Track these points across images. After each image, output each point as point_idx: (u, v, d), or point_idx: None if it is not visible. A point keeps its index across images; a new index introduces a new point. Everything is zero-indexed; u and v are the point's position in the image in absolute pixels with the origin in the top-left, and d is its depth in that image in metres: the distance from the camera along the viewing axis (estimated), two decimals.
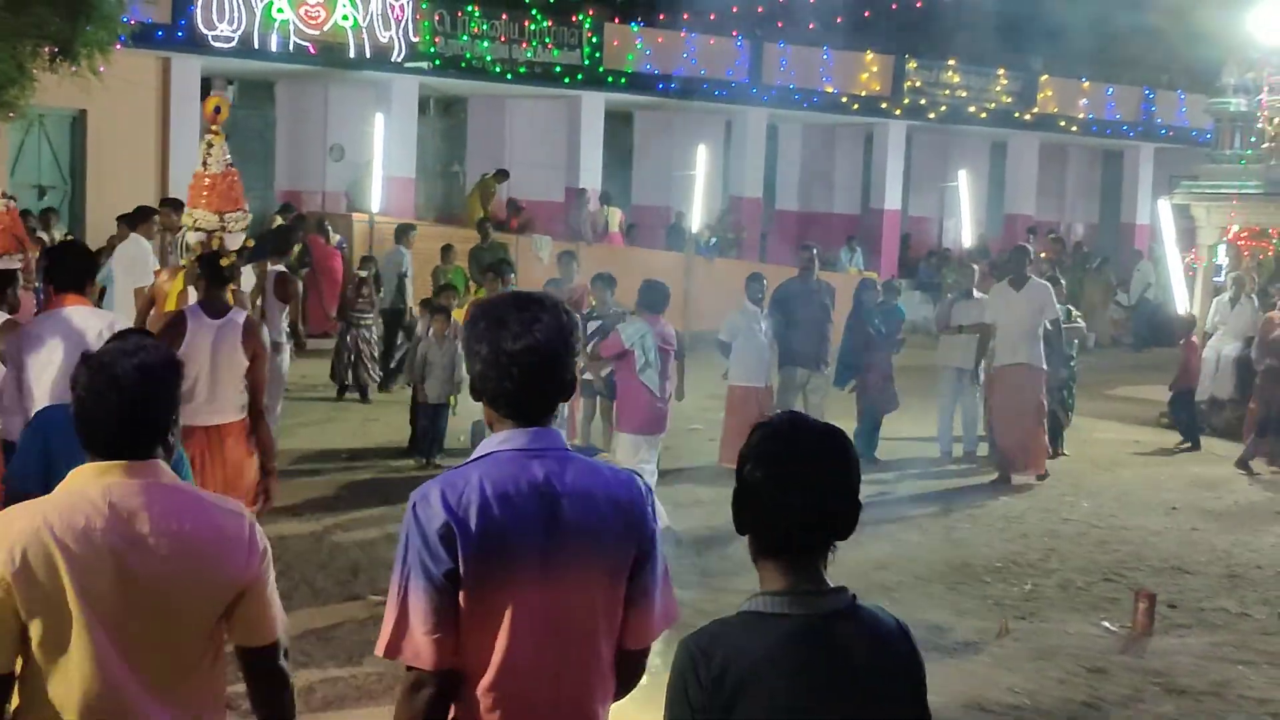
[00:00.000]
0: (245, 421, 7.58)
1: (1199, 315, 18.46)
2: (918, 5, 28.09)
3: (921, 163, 33.36)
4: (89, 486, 3.31)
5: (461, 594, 3.25)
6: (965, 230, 30.01)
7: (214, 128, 8.47)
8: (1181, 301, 19.59)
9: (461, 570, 3.23)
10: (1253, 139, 18.03)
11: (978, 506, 12.40)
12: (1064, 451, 14.90)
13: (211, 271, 7.60)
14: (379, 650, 3.32)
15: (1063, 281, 16.52)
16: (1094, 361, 20.91)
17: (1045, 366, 13.65)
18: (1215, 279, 18.61)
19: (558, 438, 3.41)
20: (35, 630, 3.24)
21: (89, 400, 3.34)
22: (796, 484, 2.93)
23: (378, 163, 23.25)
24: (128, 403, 3.32)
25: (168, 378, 3.43)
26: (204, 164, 8.36)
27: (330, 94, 25.33)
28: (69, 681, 3.25)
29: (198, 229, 8.19)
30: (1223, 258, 18.75)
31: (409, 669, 3.30)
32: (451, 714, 3.34)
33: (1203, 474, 14.57)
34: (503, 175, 24.70)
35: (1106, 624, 9.14)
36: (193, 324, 7.44)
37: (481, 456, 3.35)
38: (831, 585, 3.00)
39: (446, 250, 17.58)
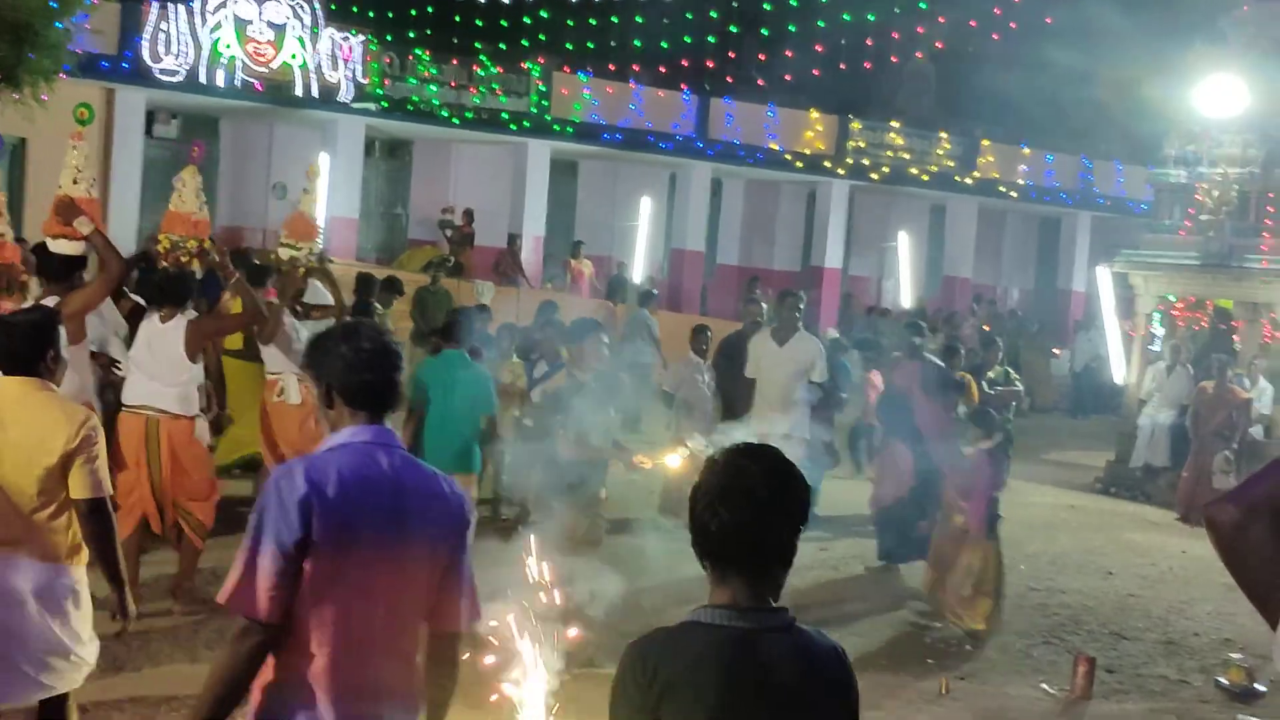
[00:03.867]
0: None
1: (1134, 383, 18.65)
2: (865, 66, 28.32)
3: (862, 222, 33.58)
4: None
5: (310, 560, 3.74)
6: (904, 290, 30.29)
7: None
8: (1118, 369, 19.80)
9: (315, 538, 3.73)
10: (1191, 210, 18.23)
11: (914, 565, 12.35)
12: (998, 514, 14.87)
13: None
14: (221, 598, 3.79)
15: (999, 343, 16.63)
16: (1030, 425, 21.02)
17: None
18: (1150, 347, 18.79)
19: (395, 435, 3.98)
20: None
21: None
22: (746, 510, 3.11)
23: (321, 202, 23.12)
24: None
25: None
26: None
27: (276, 132, 25.21)
28: None
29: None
30: (1159, 327, 18.95)
31: (243, 618, 3.76)
32: (281, 668, 3.80)
33: (1138, 540, 14.64)
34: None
35: (1046, 687, 9.12)
36: None
37: (338, 446, 3.89)
38: (774, 605, 3.20)
39: (389, 284, 16.32)
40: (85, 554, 5.57)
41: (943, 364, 14.62)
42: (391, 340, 4.04)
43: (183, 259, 9.83)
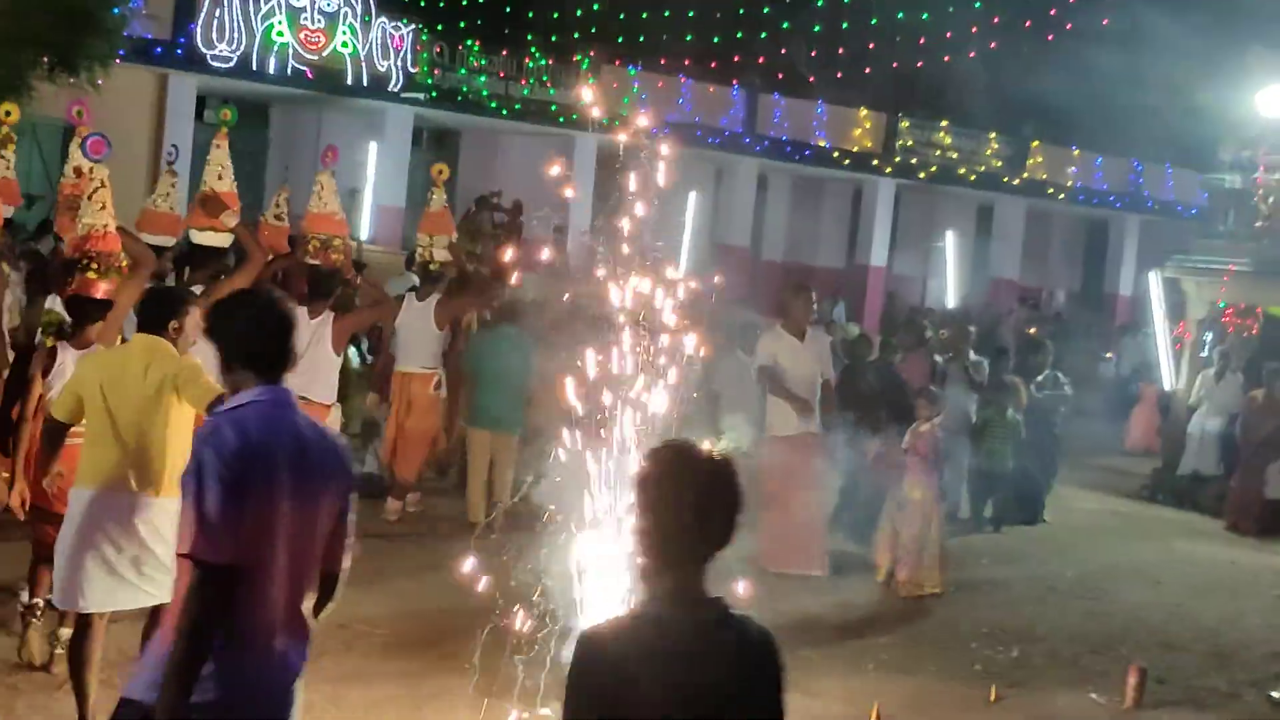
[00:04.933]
0: None
1: (1184, 389, 18.49)
2: (916, 65, 28.16)
3: (908, 221, 33.42)
4: None
5: (242, 507, 4.08)
6: (950, 290, 30.14)
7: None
8: (1167, 375, 19.63)
9: (245, 486, 4.09)
10: (1246, 216, 18.05)
11: (963, 569, 12.28)
12: (1045, 518, 14.83)
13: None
14: (181, 548, 4.09)
15: (1049, 345, 16.50)
16: (1077, 430, 20.83)
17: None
18: (1200, 354, 18.62)
19: (291, 395, 4.36)
20: None
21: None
22: (689, 504, 3.30)
23: (368, 190, 23.19)
24: None
25: None
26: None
27: (325, 119, 25.23)
28: None
29: None
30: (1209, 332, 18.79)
31: (197, 566, 4.04)
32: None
33: (1186, 549, 14.52)
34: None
35: (1095, 696, 9.04)
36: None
37: (245, 404, 4.25)
38: (710, 596, 3.38)
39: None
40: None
41: (984, 361, 14.59)
42: (285, 307, 4.44)
43: (334, 257, 10.32)
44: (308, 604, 4.39)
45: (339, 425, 10.26)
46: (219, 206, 9.17)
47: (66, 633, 7.03)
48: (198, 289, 8.90)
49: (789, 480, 10.97)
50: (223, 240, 9.55)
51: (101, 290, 7.70)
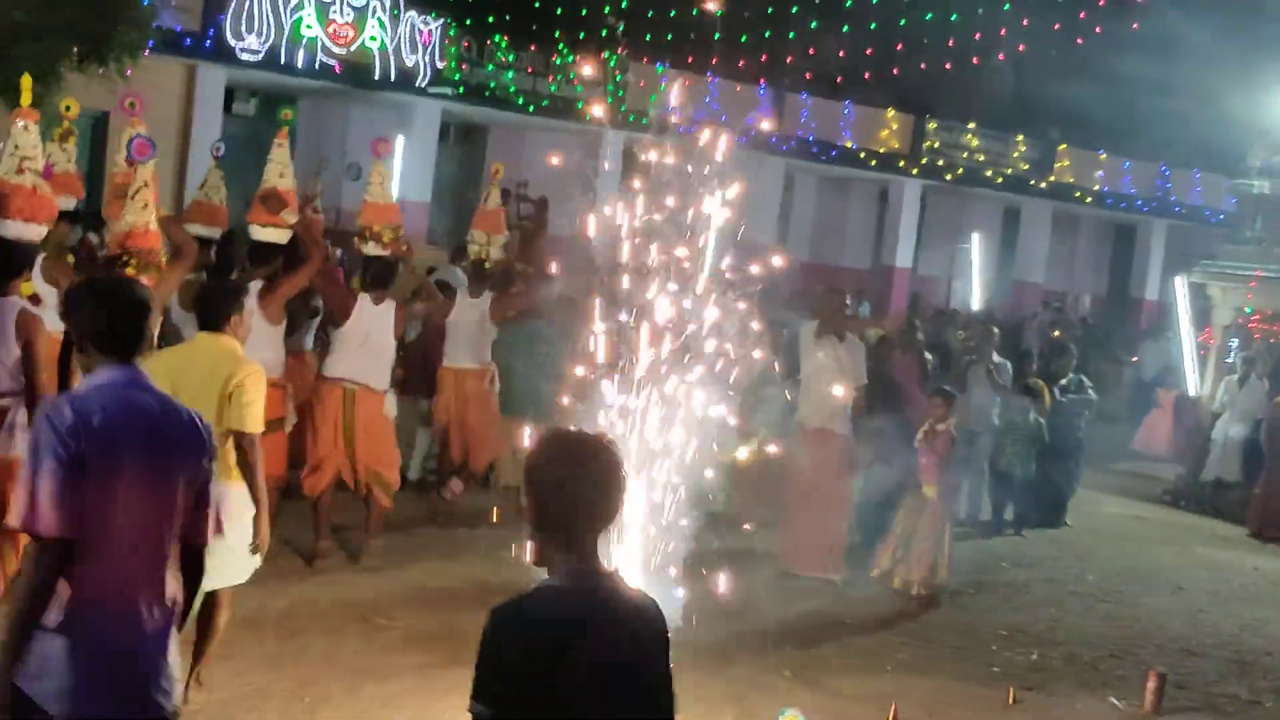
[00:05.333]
0: None
1: (1209, 395, 18.42)
2: (944, 66, 28.10)
3: (934, 222, 33.35)
4: None
5: (83, 482, 4.17)
6: (975, 293, 30.07)
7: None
8: (1192, 380, 19.56)
9: (85, 461, 4.18)
10: (1274, 221, 17.96)
11: (984, 571, 12.25)
12: (1067, 522, 14.79)
13: None
14: (13, 521, 4.21)
15: (1073, 349, 16.45)
16: (1100, 434, 20.76)
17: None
18: (1226, 360, 18.54)
19: (145, 375, 4.46)
20: None
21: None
22: (584, 485, 3.58)
23: (395, 185, 23.19)
24: None
25: None
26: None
27: (352, 113, 25.28)
28: None
29: None
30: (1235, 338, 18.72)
31: (35, 540, 4.20)
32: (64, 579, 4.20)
33: (1208, 554, 14.47)
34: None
35: (1114, 701, 9.01)
36: None
37: (97, 385, 4.37)
38: (607, 570, 3.64)
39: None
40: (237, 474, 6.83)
41: (1007, 364, 14.50)
42: (138, 292, 4.57)
43: (402, 248, 10.64)
44: (174, 578, 4.46)
45: (394, 412, 10.52)
46: (280, 204, 9.47)
47: None
48: (256, 284, 9.46)
49: (814, 478, 10.92)
50: (282, 237, 9.79)
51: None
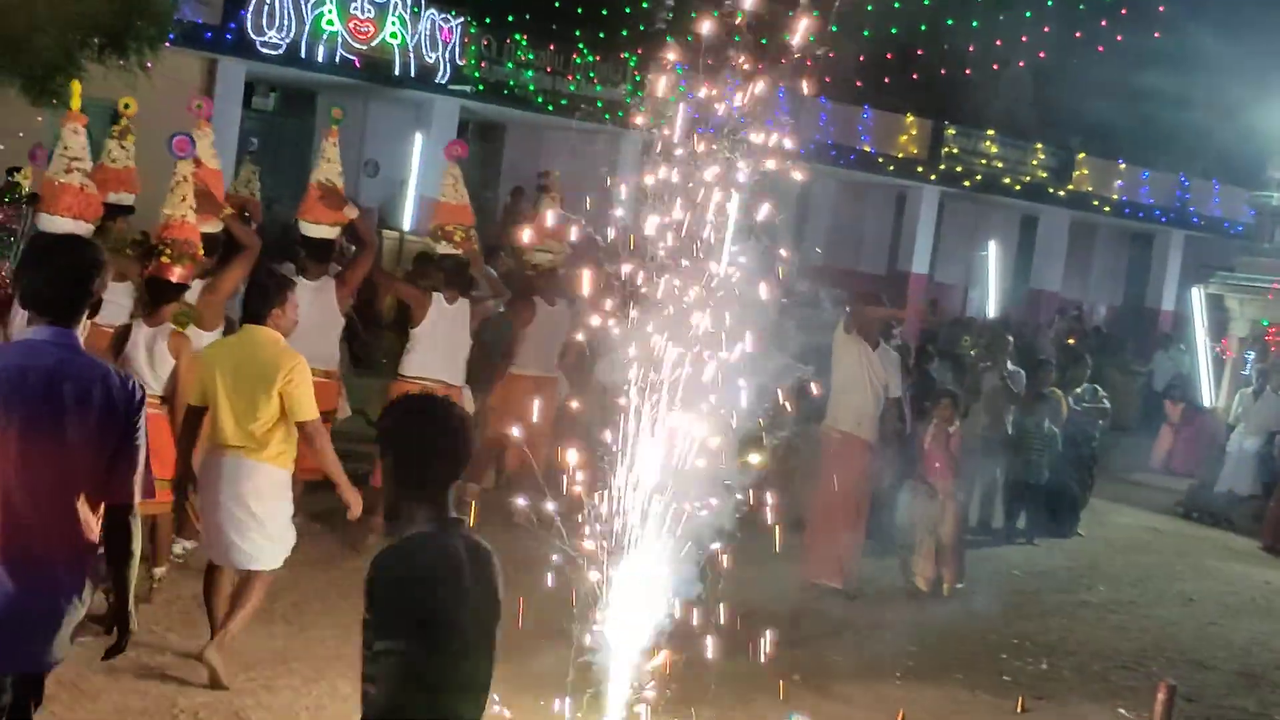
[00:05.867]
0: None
1: (1223, 407, 18.37)
2: (964, 73, 28.03)
3: (951, 229, 33.26)
4: None
5: None
6: (991, 300, 29.98)
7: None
8: (1207, 392, 19.51)
9: None
10: None
11: (995, 580, 12.23)
12: (1079, 531, 14.75)
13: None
14: None
15: (1088, 359, 16.42)
16: (1113, 444, 20.70)
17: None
18: (1242, 372, 18.49)
19: (75, 337, 4.57)
20: None
21: None
22: (440, 442, 4.01)
23: (412, 181, 23.22)
24: None
25: None
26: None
27: (371, 109, 25.29)
28: None
29: None
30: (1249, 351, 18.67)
31: None
32: None
33: (1219, 567, 14.42)
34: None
35: (1123, 712, 9.00)
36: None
37: (17, 342, 4.62)
38: (457, 518, 4.05)
39: None
40: (292, 460, 7.41)
41: (1021, 372, 14.45)
42: (81, 255, 4.68)
43: (474, 246, 10.79)
44: (82, 536, 4.53)
45: (471, 407, 10.79)
46: (339, 200, 9.76)
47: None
48: (318, 280, 9.94)
49: (837, 483, 10.82)
50: (332, 232, 10.05)
51: (175, 274, 8.34)
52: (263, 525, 7.33)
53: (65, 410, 4.44)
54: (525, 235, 10.24)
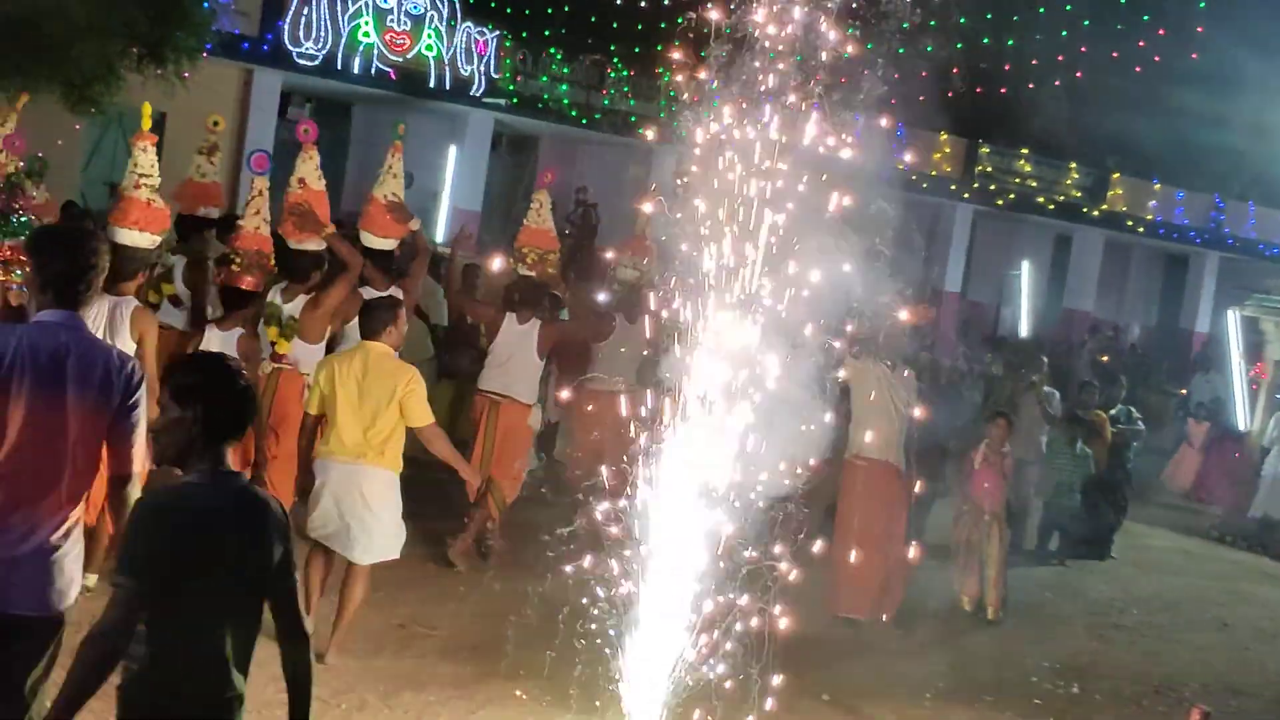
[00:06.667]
0: None
1: (1258, 430, 18.22)
2: (1000, 92, 27.95)
3: (984, 248, 33.14)
4: None
5: None
6: (1023, 319, 29.88)
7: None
8: (1242, 415, 19.36)
9: None
10: None
11: (1027, 602, 12.13)
12: (1113, 554, 14.64)
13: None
14: None
15: (1123, 380, 16.32)
16: (1147, 466, 20.58)
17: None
18: (1278, 395, 18.33)
19: (81, 320, 5.01)
20: None
21: None
22: (221, 404, 4.28)
23: (446, 194, 23.26)
24: None
25: None
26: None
27: (405, 122, 25.31)
28: None
29: None
30: None
31: None
32: None
33: (1254, 592, 14.30)
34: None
35: None
36: None
37: (32, 323, 4.97)
38: (234, 471, 4.37)
39: None
40: (400, 463, 8.08)
41: (1056, 393, 14.35)
42: (79, 249, 5.05)
43: (549, 270, 10.99)
44: (78, 502, 4.93)
45: (538, 425, 11.42)
46: (406, 214, 10.03)
47: None
48: (396, 290, 9.91)
49: (866, 514, 10.51)
50: (391, 244, 10.20)
51: (246, 283, 8.95)
52: (380, 521, 8.04)
53: (67, 383, 4.84)
54: (610, 252, 10.37)
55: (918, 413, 10.77)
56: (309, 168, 9.75)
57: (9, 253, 8.75)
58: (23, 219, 9.19)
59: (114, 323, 8.11)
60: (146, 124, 9.02)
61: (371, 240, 10.16)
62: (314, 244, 9.57)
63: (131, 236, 8.53)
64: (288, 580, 4.41)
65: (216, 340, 8.70)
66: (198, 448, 4.28)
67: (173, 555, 4.09)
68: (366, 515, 8.02)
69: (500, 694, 7.83)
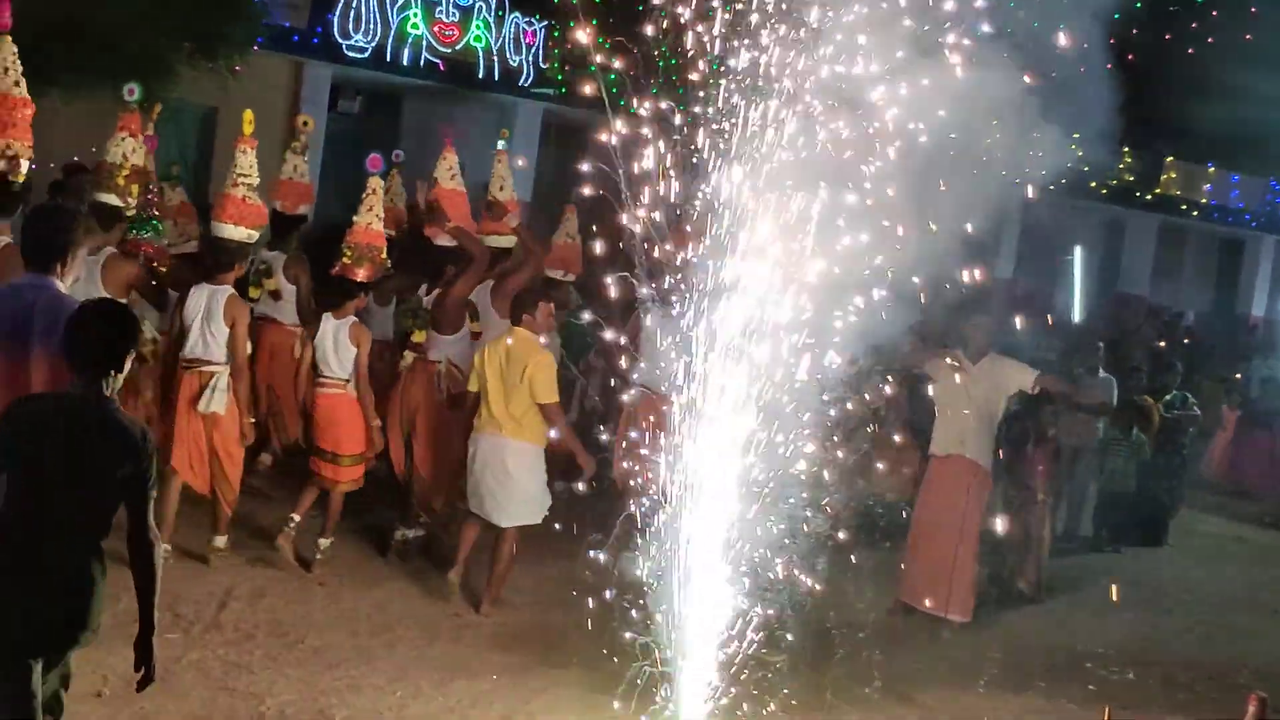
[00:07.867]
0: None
1: None
2: (1050, 75, 27.73)
3: (1035, 234, 32.87)
4: None
5: None
6: (1076, 305, 29.63)
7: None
8: None
9: None
10: None
11: (1080, 590, 12.08)
12: (1168, 542, 14.55)
13: None
14: None
15: (1178, 366, 16.18)
16: (1202, 452, 20.40)
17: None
18: None
19: (52, 282, 5.73)
20: None
21: None
22: (89, 337, 5.07)
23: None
24: None
25: None
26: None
27: (455, 113, 25.37)
28: None
29: None
30: None
31: None
32: None
33: None
34: None
35: None
36: None
37: (13, 283, 5.82)
38: (106, 396, 5.06)
39: None
40: (542, 436, 8.94)
41: (1111, 379, 14.22)
42: (51, 221, 5.85)
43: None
44: None
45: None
46: (503, 211, 10.63)
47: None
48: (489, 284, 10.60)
49: (940, 508, 10.30)
50: (508, 241, 10.74)
51: (358, 274, 9.54)
52: (520, 487, 8.98)
53: (33, 336, 5.58)
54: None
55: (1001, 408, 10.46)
56: (441, 168, 10.80)
57: (151, 250, 9.70)
58: (154, 221, 10.02)
59: (210, 309, 8.95)
60: (248, 129, 9.51)
61: (487, 240, 10.60)
62: (444, 239, 10.40)
63: (229, 231, 9.23)
64: (138, 493, 5.03)
65: (331, 328, 9.46)
66: (73, 372, 5.08)
67: (12, 446, 4.94)
68: (508, 482, 8.94)
69: (552, 682, 7.87)
